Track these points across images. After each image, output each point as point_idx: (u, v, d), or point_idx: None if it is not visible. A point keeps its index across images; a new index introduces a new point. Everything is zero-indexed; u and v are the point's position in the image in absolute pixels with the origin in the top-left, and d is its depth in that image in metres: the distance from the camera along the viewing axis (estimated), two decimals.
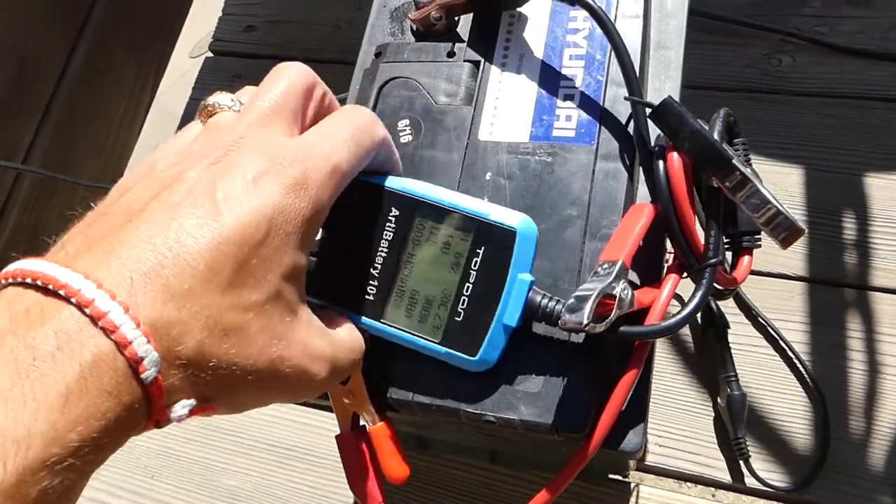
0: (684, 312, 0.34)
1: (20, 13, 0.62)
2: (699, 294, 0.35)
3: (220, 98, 0.34)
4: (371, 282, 0.35)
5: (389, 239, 0.35)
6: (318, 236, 0.36)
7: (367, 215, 0.35)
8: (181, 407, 0.27)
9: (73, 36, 0.68)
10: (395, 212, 0.35)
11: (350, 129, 0.32)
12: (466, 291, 0.35)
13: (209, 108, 0.34)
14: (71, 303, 0.24)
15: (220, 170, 0.29)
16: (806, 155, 0.67)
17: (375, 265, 0.35)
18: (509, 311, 0.34)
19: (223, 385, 0.28)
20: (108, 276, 0.25)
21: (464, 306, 0.35)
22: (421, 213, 0.35)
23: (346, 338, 0.34)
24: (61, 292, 0.24)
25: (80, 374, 0.23)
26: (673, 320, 0.34)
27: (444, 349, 0.35)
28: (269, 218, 0.28)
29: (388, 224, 0.35)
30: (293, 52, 0.86)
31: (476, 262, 0.35)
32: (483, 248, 0.34)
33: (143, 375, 0.24)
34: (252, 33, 0.89)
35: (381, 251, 0.35)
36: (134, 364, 0.24)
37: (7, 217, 0.62)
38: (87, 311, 0.24)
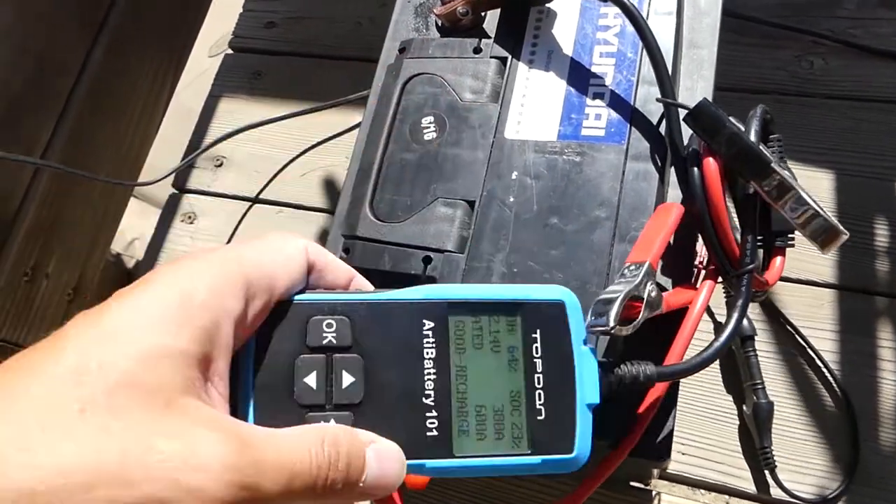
0: (728, 330, 0.34)
1: (40, 12, 0.61)
2: (739, 305, 0.34)
3: None
4: (427, 414, 0.29)
5: (433, 357, 0.29)
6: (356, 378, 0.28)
7: (398, 338, 0.29)
8: None
9: (92, 34, 0.67)
10: (428, 324, 0.29)
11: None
12: (538, 384, 0.30)
13: None
14: None
15: None
16: (837, 159, 0.65)
17: (426, 393, 0.29)
18: (587, 389, 0.30)
19: None
20: None
21: (541, 402, 0.30)
22: (455, 316, 0.30)
23: (274, 448, 0.24)
24: None
25: None
26: (719, 341, 0.33)
27: (539, 458, 0.29)
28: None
29: (425, 340, 0.29)
30: (313, 48, 0.85)
31: (536, 348, 0.30)
32: (539, 332, 0.30)
33: None
34: (272, 30, 0.88)
35: (428, 374, 0.29)
36: None
37: (25, 212, 0.62)
38: None
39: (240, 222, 0.78)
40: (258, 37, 0.88)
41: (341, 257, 0.41)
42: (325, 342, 0.28)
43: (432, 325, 0.29)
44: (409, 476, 0.31)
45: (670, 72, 0.40)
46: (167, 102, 0.80)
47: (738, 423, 0.58)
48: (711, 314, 0.59)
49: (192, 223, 0.79)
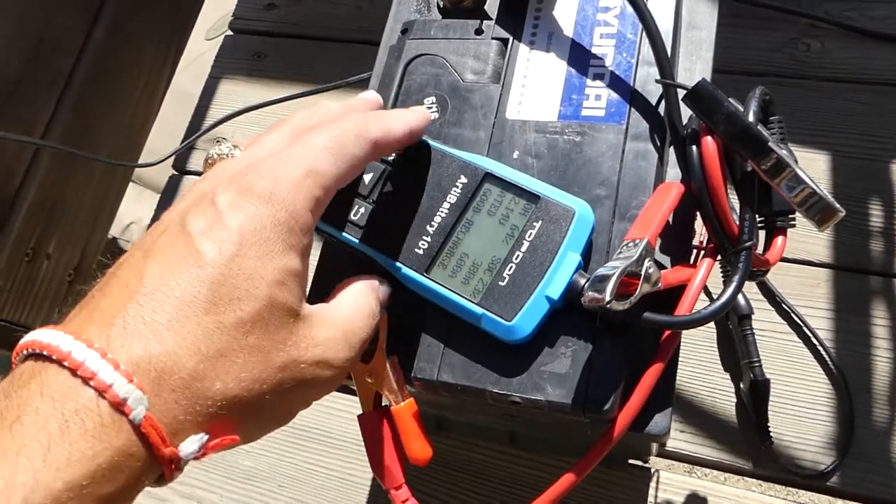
0: (720, 301, 0.34)
1: None
2: (735, 280, 0.35)
3: (217, 149, 0.35)
4: (424, 237, 0.37)
5: (452, 202, 0.37)
6: (363, 210, 0.38)
7: (434, 177, 0.38)
8: (191, 443, 0.26)
9: (92, 13, 0.67)
10: (463, 179, 0.37)
11: (330, 135, 0.32)
12: (515, 259, 0.35)
13: (209, 161, 0.35)
14: (52, 360, 0.25)
15: (193, 205, 0.30)
16: (833, 141, 0.66)
17: (432, 223, 0.37)
18: (554, 285, 0.35)
19: (238, 408, 0.27)
20: (90, 327, 0.26)
21: (510, 272, 0.35)
22: (487, 185, 0.37)
23: (351, 308, 0.34)
24: (44, 352, 0.25)
25: (63, 424, 0.24)
26: (708, 310, 0.34)
27: (480, 310, 0.35)
28: (237, 230, 0.28)
29: (453, 188, 0.37)
30: (315, 30, 0.85)
31: (531, 234, 0.35)
32: (540, 223, 0.36)
33: (130, 416, 0.25)
34: (273, 11, 0.88)
35: (441, 212, 0.37)
36: (118, 406, 0.24)
37: (27, 191, 0.62)
38: (66, 363, 0.24)
39: None
40: (259, 18, 0.88)
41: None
42: (389, 158, 0.39)
43: (465, 181, 0.37)
44: (411, 451, 0.34)
45: (669, 53, 0.40)
46: (167, 83, 0.80)
47: (735, 400, 0.59)
48: (710, 295, 0.60)
49: None
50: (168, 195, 0.81)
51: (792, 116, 0.67)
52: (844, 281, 0.61)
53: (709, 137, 0.36)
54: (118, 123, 0.72)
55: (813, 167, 0.65)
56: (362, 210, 0.38)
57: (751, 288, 0.61)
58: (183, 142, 0.83)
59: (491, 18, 0.46)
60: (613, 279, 0.31)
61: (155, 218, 0.80)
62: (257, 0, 0.89)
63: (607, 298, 0.31)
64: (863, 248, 0.61)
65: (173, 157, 0.80)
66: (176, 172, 0.82)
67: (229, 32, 0.89)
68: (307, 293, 0.40)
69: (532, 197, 0.36)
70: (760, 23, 0.72)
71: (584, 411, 0.35)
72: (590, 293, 0.32)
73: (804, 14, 0.70)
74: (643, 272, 0.33)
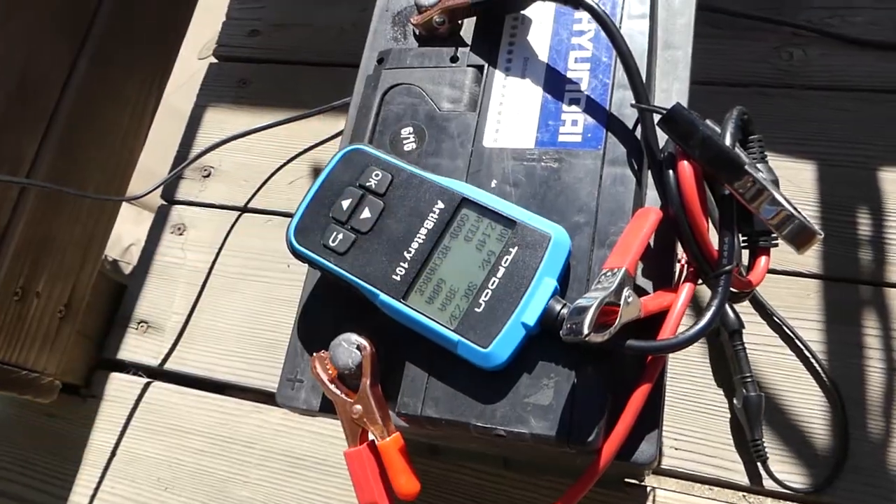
0: (699, 325, 0.34)
1: (21, 26, 0.61)
2: (714, 305, 0.35)
3: None
4: (402, 263, 0.37)
5: (429, 228, 0.37)
6: (341, 237, 0.39)
7: (412, 202, 0.38)
8: None
9: (75, 46, 0.67)
10: (440, 204, 0.38)
11: None
12: (492, 286, 0.35)
13: None
14: None
15: None
16: (819, 150, 0.66)
17: (409, 249, 0.37)
18: (530, 311, 0.35)
19: None
20: None
21: (486, 298, 0.35)
22: (464, 210, 0.37)
23: None
24: None
25: None
26: (686, 334, 0.33)
27: (456, 337, 0.35)
28: None
29: (431, 214, 0.37)
30: (298, 55, 0.86)
31: (507, 259, 0.36)
32: (516, 248, 0.36)
33: None
34: (256, 38, 0.88)
35: (418, 237, 0.37)
36: None
37: (14, 230, 0.62)
38: None
39: (229, 232, 0.78)
40: (242, 45, 0.88)
41: None
42: (367, 184, 0.39)
43: (443, 207, 0.37)
44: (398, 486, 0.34)
45: (645, 74, 0.40)
46: (154, 110, 0.80)
47: (729, 416, 0.58)
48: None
49: (181, 234, 0.80)
50: (158, 224, 0.81)
51: (777, 126, 0.67)
52: (834, 291, 0.61)
53: (685, 162, 0.36)
54: (105, 154, 0.72)
55: (799, 177, 0.64)
56: (340, 236, 0.38)
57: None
58: (171, 171, 0.83)
59: (466, 45, 0.46)
60: (591, 312, 0.31)
61: (148, 246, 0.80)
62: (241, 27, 0.89)
63: (585, 331, 0.31)
64: (852, 257, 0.61)
65: (161, 186, 0.80)
66: (165, 202, 0.82)
67: (214, 60, 0.89)
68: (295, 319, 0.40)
69: (508, 222, 0.37)
70: (742, 33, 0.72)
71: (568, 442, 0.34)
72: (567, 326, 0.32)
73: (785, 23, 0.71)
74: (622, 301, 0.33)
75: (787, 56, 0.70)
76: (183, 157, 0.83)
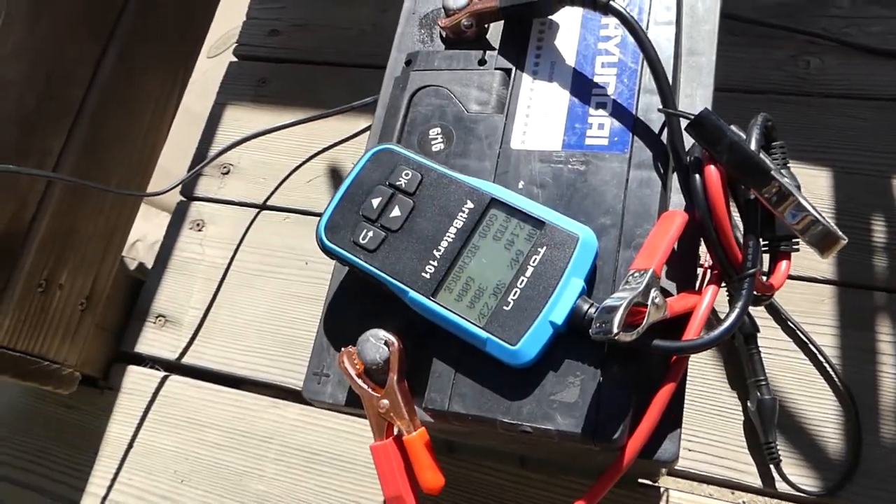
0: (724, 326, 0.34)
1: (51, 26, 0.62)
2: (738, 307, 0.35)
3: None
4: (431, 261, 0.38)
5: (459, 227, 0.38)
6: (371, 234, 0.39)
7: (441, 202, 0.39)
8: None
9: (101, 45, 0.68)
10: (469, 204, 0.38)
11: None
12: (520, 285, 0.36)
13: None
14: None
15: None
16: (835, 157, 0.66)
17: (439, 247, 0.38)
18: (558, 310, 0.35)
19: None
20: None
21: (514, 297, 0.36)
22: (493, 210, 0.38)
23: None
24: None
25: None
26: (711, 335, 0.34)
27: (485, 334, 0.36)
28: None
29: (460, 213, 0.38)
30: (318, 56, 0.86)
31: (535, 259, 0.36)
32: (544, 248, 0.36)
33: None
34: (276, 37, 0.89)
35: (448, 236, 0.38)
36: None
37: (39, 224, 0.63)
38: None
39: (248, 229, 0.79)
40: (262, 44, 0.89)
41: None
42: (397, 183, 0.40)
43: (472, 206, 0.38)
44: (423, 481, 0.35)
45: (671, 80, 0.41)
46: (176, 107, 0.81)
47: (742, 418, 0.59)
48: (717, 314, 0.60)
49: (200, 230, 0.80)
50: (176, 220, 0.82)
51: (794, 133, 0.68)
52: (849, 297, 0.61)
53: (712, 166, 0.36)
54: (128, 150, 0.73)
55: (815, 184, 0.65)
56: (371, 234, 0.39)
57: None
58: (190, 167, 0.84)
59: (493, 48, 0.47)
60: (620, 312, 0.32)
61: (167, 242, 0.81)
62: (261, 26, 0.90)
63: (615, 331, 0.31)
64: (867, 264, 0.62)
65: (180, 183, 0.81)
66: (184, 198, 0.83)
67: (234, 59, 0.90)
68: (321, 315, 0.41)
69: (537, 223, 0.37)
70: (760, 41, 0.72)
71: (593, 440, 0.35)
72: (597, 326, 0.32)
73: (803, 31, 0.71)
74: (649, 302, 0.33)
75: (804, 64, 0.71)
76: (202, 154, 0.84)
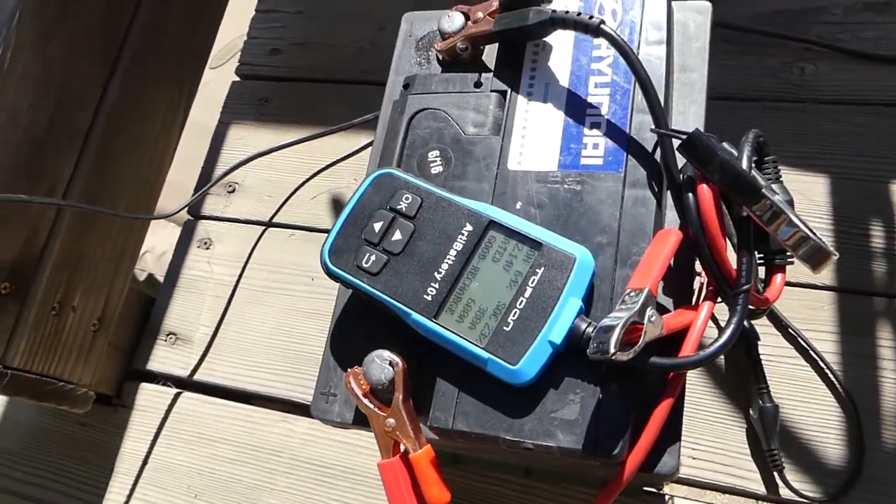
0: (720, 342, 0.35)
1: (59, 51, 0.64)
2: (734, 322, 0.36)
3: None
4: (432, 283, 0.39)
5: (458, 249, 0.39)
6: (374, 258, 0.40)
7: (441, 225, 0.40)
8: None
9: (108, 68, 0.70)
10: (468, 227, 0.39)
11: None
12: (519, 305, 0.37)
13: None
14: None
15: None
16: (831, 163, 0.67)
17: (440, 270, 0.39)
18: (556, 330, 0.36)
19: None
20: None
21: (514, 317, 0.37)
22: (492, 232, 0.39)
23: None
24: None
25: None
26: (707, 351, 0.35)
27: (486, 355, 0.37)
28: None
29: (459, 236, 0.39)
30: (318, 73, 0.88)
31: (534, 280, 0.37)
32: (542, 269, 0.37)
33: None
34: (277, 56, 0.90)
35: (448, 258, 0.39)
36: None
37: (51, 249, 0.64)
38: None
39: (254, 246, 0.80)
40: (264, 63, 0.91)
41: None
42: (398, 207, 0.41)
43: (471, 229, 0.39)
44: (430, 497, 0.36)
45: (663, 98, 0.42)
46: (182, 125, 0.82)
47: (745, 426, 0.60)
48: (717, 322, 0.61)
49: (207, 248, 0.82)
50: (184, 239, 0.83)
51: (789, 140, 0.68)
52: (849, 303, 0.62)
53: (704, 185, 0.37)
54: (136, 170, 0.74)
55: (812, 191, 0.66)
56: (373, 258, 0.40)
57: None
58: (196, 186, 0.85)
59: (489, 70, 0.48)
60: (617, 331, 0.33)
61: (176, 260, 0.82)
62: (262, 46, 0.92)
63: (612, 351, 0.32)
64: (865, 269, 0.62)
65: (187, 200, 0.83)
66: (191, 217, 0.84)
67: (236, 78, 0.91)
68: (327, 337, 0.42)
69: (535, 244, 0.38)
70: (754, 48, 0.73)
71: (594, 456, 0.36)
72: (594, 346, 0.33)
73: (796, 38, 0.72)
74: (646, 321, 0.34)
75: (799, 71, 0.71)
76: (208, 173, 0.85)
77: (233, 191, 0.84)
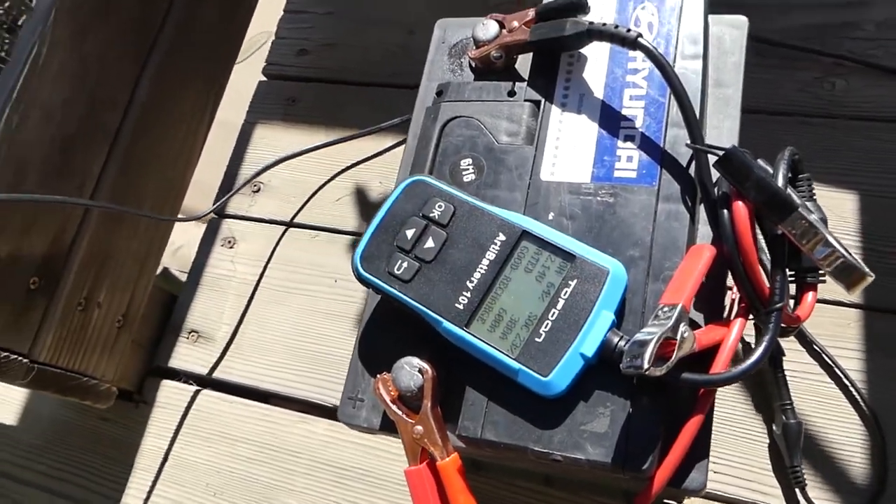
0: (751, 360, 0.35)
1: (92, 50, 0.64)
2: (766, 340, 0.36)
3: None
4: (464, 292, 0.39)
5: (491, 259, 0.39)
6: (406, 265, 0.40)
7: (474, 234, 0.40)
8: None
9: (138, 67, 0.70)
10: (501, 236, 0.39)
11: None
12: (551, 317, 0.37)
13: None
14: None
15: None
16: (861, 180, 0.66)
17: (472, 279, 0.39)
18: (588, 342, 0.36)
19: None
20: None
21: (546, 329, 0.37)
22: (524, 242, 0.39)
23: None
24: None
25: None
26: (739, 369, 0.35)
27: (517, 365, 0.37)
28: None
29: (492, 245, 0.39)
30: (346, 75, 0.88)
31: (566, 292, 0.37)
32: (575, 281, 0.37)
33: None
34: (305, 57, 0.91)
35: (481, 268, 0.39)
36: None
37: (80, 244, 0.65)
38: None
39: (277, 246, 0.81)
40: (291, 64, 0.91)
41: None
42: (430, 215, 0.41)
43: (504, 238, 0.39)
44: None
45: (698, 113, 0.42)
46: (209, 125, 0.83)
47: (768, 441, 0.60)
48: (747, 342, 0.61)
49: (231, 247, 0.82)
50: (209, 237, 0.84)
51: (819, 156, 0.68)
52: (875, 321, 0.61)
53: (740, 203, 0.37)
54: (163, 169, 0.75)
55: (841, 207, 0.65)
56: (405, 265, 0.40)
57: None
58: (221, 185, 0.86)
59: (521, 78, 0.48)
60: (651, 347, 0.33)
61: (199, 258, 0.82)
62: (290, 46, 0.92)
63: (646, 366, 0.32)
64: (893, 287, 0.62)
65: (211, 200, 0.83)
66: (215, 216, 0.85)
67: (258, 74, 0.92)
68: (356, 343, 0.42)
69: (567, 256, 0.38)
70: (786, 62, 0.73)
71: (623, 469, 0.36)
72: (628, 361, 0.33)
73: (828, 54, 0.72)
74: (679, 337, 0.34)
75: (830, 86, 0.71)
76: (233, 173, 0.86)
77: (258, 190, 0.84)
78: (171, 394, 0.77)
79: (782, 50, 0.72)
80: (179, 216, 0.76)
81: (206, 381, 0.77)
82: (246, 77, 0.94)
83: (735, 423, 0.60)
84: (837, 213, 0.65)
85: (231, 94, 0.90)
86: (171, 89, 0.75)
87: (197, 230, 0.88)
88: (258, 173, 0.79)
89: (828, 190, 0.66)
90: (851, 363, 0.60)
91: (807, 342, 0.61)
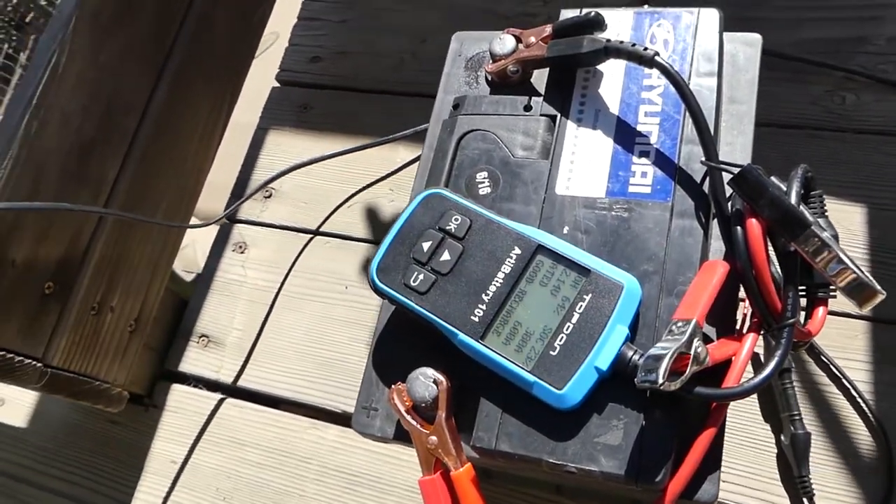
0: (763, 374, 0.36)
1: (110, 57, 0.65)
2: (777, 356, 0.36)
3: None
4: (480, 305, 0.39)
5: (506, 272, 0.40)
6: (422, 277, 0.41)
7: (490, 247, 0.40)
8: None
9: (156, 73, 0.71)
10: (517, 250, 0.40)
11: None
12: (566, 330, 0.38)
13: None
14: None
15: None
16: (870, 194, 0.67)
17: (487, 292, 0.39)
18: (603, 356, 0.37)
19: None
20: None
21: (560, 342, 0.38)
22: (540, 256, 0.40)
23: None
24: None
25: None
26: (752, 383, 0.35)
27: (532, 378, 0.37)
28: None
29: (508, 259, 0.40)
30: (358, 83, 0.89)
31: (581, 306, 0.38)
32: (590, 296, 0.38)
33: None
34: (318, 64, 0.91)
35: (496, 281, 0.40)
36: None
37: (94, 249, 0.65)
38: None
39: (289, 252, 0.81)
40: (304, 70, 0.92)
41: None
42: (447, 227, 0.41)
43: (519, 252, 0.40)
44: None
45: (712, 131, 0.43)
46: (223, 130, 0.84)
47: (776, 451, 0.60)
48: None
49: (242, 252, 0.83)
50: (220, 242, 0.85)
51: (828, 169, 0.68)
52: (883, 333, 0.62)
53: (753, 220, 0.38)
54: (177, 174, 0.76)
55: (850, 220, 0.66)
56: (421, 277, 0.41)
57: None
58: (233, 191, 0.87)
59: (538, 93, 0.48)
60: (665, 362, 0.33)
61: (210, 263, 0.83)
62: (303, 53, 0.93)
63: (660, 381, 0.33)
64: None
65: (223, 202, 0.84)
66: (227, 221, 0.86)
67: (276, 84, 0.92)
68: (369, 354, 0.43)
69: (582, 270, 0.39)
70: (797, 76, 0.73)
71: (636, 482, 0.37)
72: (643, 375, 0.34)
73: (839, 67, 0.72)
74: (693, 352, 0.35)
75: (840, 100, 0.71)
76: (245, 178, 0.87)
77: (269, 196, 0.85)
78: (181, 398, 0.77)
79: (794, 63, 0.73)
80: (192, 221, 0.77)
81: (216, 386, 0.77)
82: (252, 76, 0.94)
83: (744, 433, 0.61)
84: (846, 226, 0.66)
85: (242, 93, 0.90)
86: (187, 95, 0.75)
87: (203, 230, 0.88)
88: (272, 179, 0.80)
89: (837, 203, 0.67)
90: (859, 374, 0.61)
91: (815, 353, 0.62)
